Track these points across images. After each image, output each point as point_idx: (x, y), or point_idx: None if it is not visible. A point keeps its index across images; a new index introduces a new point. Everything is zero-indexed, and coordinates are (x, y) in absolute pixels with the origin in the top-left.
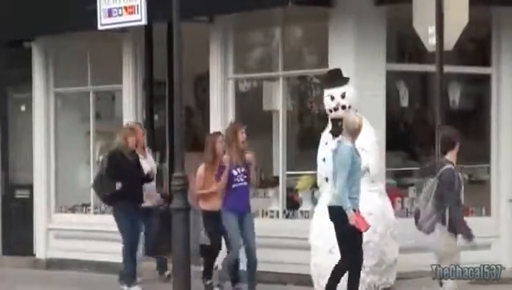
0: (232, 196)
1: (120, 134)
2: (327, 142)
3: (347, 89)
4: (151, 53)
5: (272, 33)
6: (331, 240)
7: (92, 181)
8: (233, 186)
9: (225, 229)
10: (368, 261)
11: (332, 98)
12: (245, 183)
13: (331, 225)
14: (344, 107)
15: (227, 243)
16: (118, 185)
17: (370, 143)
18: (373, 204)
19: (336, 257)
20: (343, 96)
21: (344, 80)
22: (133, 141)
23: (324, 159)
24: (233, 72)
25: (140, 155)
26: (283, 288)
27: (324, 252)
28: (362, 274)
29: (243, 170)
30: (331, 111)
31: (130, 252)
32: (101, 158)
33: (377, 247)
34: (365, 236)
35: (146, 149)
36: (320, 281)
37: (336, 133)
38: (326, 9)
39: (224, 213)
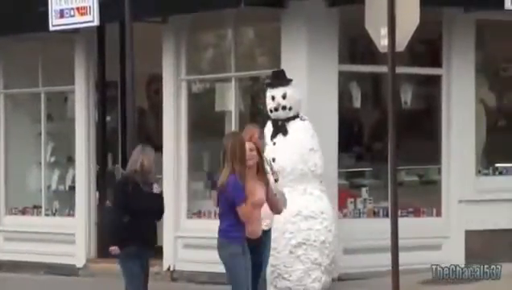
0: None
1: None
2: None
3: (289, 89)
4: (104, 54)
5: (225, 34)
6: (292, 241)
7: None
8: None
9: None
10: (324, 260)
11: (273, 98)
12: None
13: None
14: (284, 108)
15: None
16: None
17: (317, 143)
18: (321, 203)
19: (297, 257)
20: (284, 96)
21: (286, 81)
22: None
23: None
24: (185, 73)
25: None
26: None
27: (285, 253)
28: (319, 273)
29: None
30: (271, 111)
31: None
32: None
33: (331, 246)
34: (320, 235)
35: None
36: (278, 282)
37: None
38: (278, 10)
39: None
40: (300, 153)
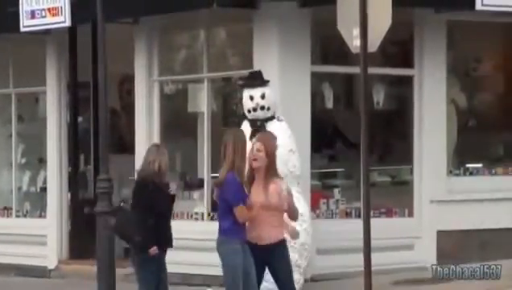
0: None
1: (161, 157)
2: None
3: (267, 90)
4: (76, 55)
5: (197, 35)
6: None
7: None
8: None
9: None
10: (303, 262)
11: (252, 98)
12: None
13: None
14: (263, 108)
15: None
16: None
17: (294, 144)
18: (299, 205)
19: None
20: (262, 96)
21: (264, 82)
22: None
23: None
24: (158, 74)
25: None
26: None
27: None
28: (298, 275)
29: None
30: (249, 111)
31: None
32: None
33: (309, 248)
34: (300, 238)
35: None
36: None
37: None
38: (250, 11)
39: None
40: (280, 154)
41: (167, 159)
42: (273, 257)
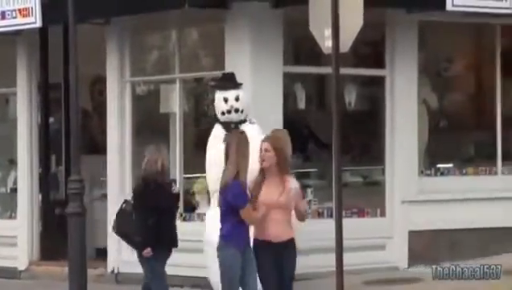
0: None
1: (164, 156)
2: None
3: (241, 92)
4: (47, 55)
5: (169, 35)
6: None
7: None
8: None
9: None
10: None
11: (226, 101)
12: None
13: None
14: (237, 110)
15: None
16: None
17: None
18: None
19: None
20: (237, 99)
21: (238, 84)
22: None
23: None
24: (130, 74)
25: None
26: None
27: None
28: None
29: None
30: (223, 114)
31: None
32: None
33: None
34: None
35: None
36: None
37: None
38: (222, 11)
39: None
40: (256, 156)
41: (167, 157)
42: (283, 254)
